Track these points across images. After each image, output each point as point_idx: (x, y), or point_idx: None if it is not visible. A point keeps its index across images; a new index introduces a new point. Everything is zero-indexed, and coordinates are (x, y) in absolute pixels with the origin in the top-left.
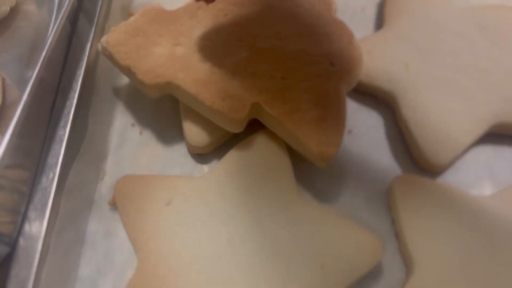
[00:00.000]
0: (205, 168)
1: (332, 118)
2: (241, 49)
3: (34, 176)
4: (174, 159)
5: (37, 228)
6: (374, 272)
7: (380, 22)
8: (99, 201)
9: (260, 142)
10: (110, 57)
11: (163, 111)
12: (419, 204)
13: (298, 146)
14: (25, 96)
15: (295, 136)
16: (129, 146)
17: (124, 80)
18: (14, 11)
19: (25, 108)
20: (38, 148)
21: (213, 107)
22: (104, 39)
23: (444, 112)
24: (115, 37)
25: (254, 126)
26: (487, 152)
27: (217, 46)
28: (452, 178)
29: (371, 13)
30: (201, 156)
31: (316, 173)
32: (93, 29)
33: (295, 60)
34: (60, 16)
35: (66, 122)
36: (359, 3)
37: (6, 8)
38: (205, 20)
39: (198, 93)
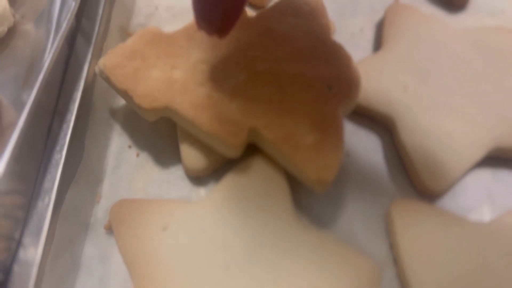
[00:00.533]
0: (202, 190)
1: (329, 143)
2: (239, 72)
3: (30, 201)
4: (171, 182)
5: (32, 254)
6: None
7: (378, 43)
8: (95, 225)
9: (258, 166)
10: (107, 80)
11: (160, 133)
12: (417, 229)
13: (295, 172)
14: (21, 120)
15: (293, 161)
16: (125, 168)
17: (121, 101)
18: (11, 30)
19: (22, 132)
20: (34, 173)
21: (211, 132)
22: (101, 61)
23: (442, 136)
24: (112, 59)
25: (251, 148)
26: (486, 176)
27: (215, 69)
28: (451, 202)
29: (369, 33)
30: (198, 178)
31: (313, 197)
32: (90, 50)
33: (293, 83)
34: (59, 37)
35: (63, 145)
36: (357, 24)
37: (3, 29)
38: (203, 43)
39: (196, 118)
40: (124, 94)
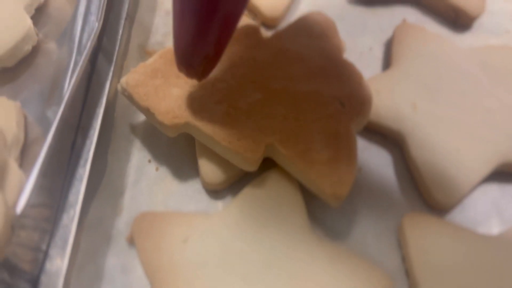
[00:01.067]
0: (220, 204)
1: (343, 158)
2: (255, 91)
3: (56, 213)
4: (189, 195)
5: (58, 265)
6: None
7: (387, 61)
8: (117, 237)
9: (273, 180)
10: (130, 98)
11: (178, 148)
12: (428, 242)
13: (311, 186)
14: (49, 137)
15: (308, 176)
16: (145, 182)
17: (141, 117)
18: (35, 49)
19: (50, 148)
20: (59, 186)
21: (229, 147)
22: (123, 80)
23: (451, 151)
24: (134, 78)
25: (267, 163)
26: (494, 190)
27: (232, 88)
28: (460, 216)
29: (378, 52)
30: (215, 192)
31: (327, 211)
32: (112, 68)
33: (307, 101)
34: (83, 56)
35: (86, 160)
36: (366, 43)
37: (28, 48)
38: (220, 63)
39: (215, 134)
40: (146, 111)
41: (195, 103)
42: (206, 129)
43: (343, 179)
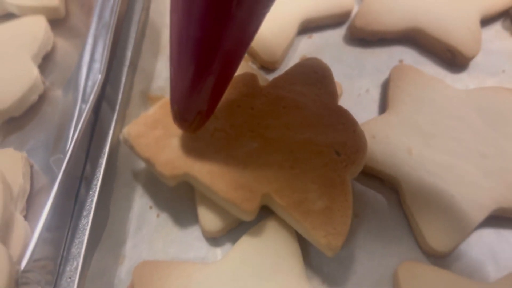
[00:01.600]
0: (218, 251)
1: (338, 208)
2: (252, 140)
3: (59, 266)
4: (189, 243)
5: None
6: None
7: (384, 103)
8: (119, 286)
9: (271, 229)
10: (131, 148)
11: (179, 195)
12: None
13: (306, 235)
14: (53, 191)
15: (303, 226)
16: (147, 229)
17: (143, 164)
18: (42, 97)
19: (54, 202)
20: (62, 238)
21: (226, 198)
22: (125, 130)
23: (446, 198)
24: (135, 129)
25: (265, 209)
26: (490, 236)
27: (230, 137)
28: (456, 263)
29: (375, 93)
30: (214, 239)
31: (324, 258)
32: (115, 117)
33: (303, 149)
34: (86, 108)
35: (89, 211)
36: (363, 85)
37: (35, 97)
38: (220, 112)
39: (213, 184)
40: (147, 161)
41: (194, 153)
42: (204, 179)
43: (338, 230)
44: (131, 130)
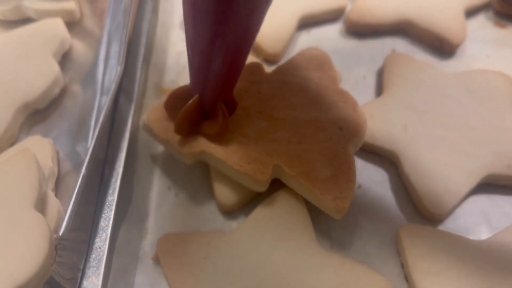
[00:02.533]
0: (234, 224)
1: (343, 176)
2: (261, 120)
3: (90, 237)
4: (206, 217)
5: (94, 283)
6: None
7: (380, 89)
8: (143, 257)
9: (282, 200)
10: (151, 132)
11: (195, 175)
12: (424, 250)
13: (315, 201)
14: (83, 170)
15: (312, 192)
16: (166, 206)
17: (160, 148)
18: (62, 91)
19: (83, 181)
20: (91, 213)
21: (241, 171)
22: (145, 117)
23: (440, 167)
24: (154, 115)
25: (275, 185)
26: (482, 201)
27: (241, 118)
28: (452, 225)
29: (371, 80)
30: (230, 213)
31: (332, 225)
32: (132, 106)
33: (308, 126)
34: (108, 97)
35: (114, 188)
36: (360, 72)
37: (57, 91)
38: None
39: (227, 159)
40: (166, 143)
41: None
42: (219, 155)
43: (344, 194)
44: (150, 116)
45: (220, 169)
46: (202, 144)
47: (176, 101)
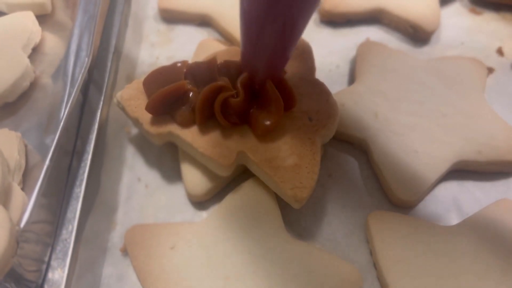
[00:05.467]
0: (204, 214)
1: (306, 166)
2: None
3: (56, 229)
4: (176, 208)
5: (59, 275)
6: None
7: (352, 77)
8: (112, 249)
9: (250, 189)
10: (123, 109)
11: (165, 166)
12: (392, 237)
13: (276, 189)
14: (47, 162)
15: (273, 180)
16: (136, 198)
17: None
18: (33, 85)
19: (47, 171)
20: (58, 205)
21: (205, 154)
22: (119, 94)
23: (410, 153)
24: (127, 93)
25: (245, 176)
26: (453, 187)
27: None
28: (423, 212)
29: (345, 69)
30: (200, 203)
31: (301, 214)
32: (102, 98)
33: None
34: (75, 88)
35: (82, 180)
36: (334, 61)
37: (27, 84)
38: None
39: (193, 142)
40: (136, 121)
41: None
42: (186, 137)
43: (304, 184)
44: (123, 93)
45: (187, 151)
46: (170, 126)
47: (157, 78)
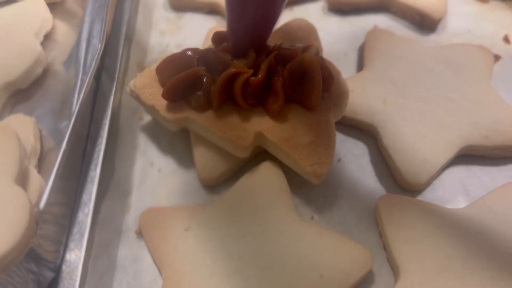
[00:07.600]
0: (216, 198)
1: (323, 142)
2: None
3: (72, 211)
4: (189, 192)
5: (76, 256)
6: (367, 279)
7: (361, 64)
8: (126, 231)
9: (262, 173)
10: (137, 98)
11: (177, 151)
12: (401, 219)
13: (295, 167)
14: (63, 145)
15: (292, 158)
16: (149, 182)
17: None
18: (45, 71)
19: (64, 156)
20: (74, 188)
21: (223, 137)
22: (132, 83)
23: (419, 138)
24: (141, 81)
25: (257, 159)
26: (461, 172)
27: None
28: (431, 195)
29: (353, 56)
30: (211, 188)
31: (312, 197)
32: (114, 84)
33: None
34: (88, 75)
35: (97, 164)
36: (342, 49)
37: (39, 70)
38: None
39: (211, 125)
40: (152, 109)
41: None
42: (203, 121)
43: (323, 160)
44: (137, 82)
45: (203, 136)
46: (186, 111)
47: (170, 65)
